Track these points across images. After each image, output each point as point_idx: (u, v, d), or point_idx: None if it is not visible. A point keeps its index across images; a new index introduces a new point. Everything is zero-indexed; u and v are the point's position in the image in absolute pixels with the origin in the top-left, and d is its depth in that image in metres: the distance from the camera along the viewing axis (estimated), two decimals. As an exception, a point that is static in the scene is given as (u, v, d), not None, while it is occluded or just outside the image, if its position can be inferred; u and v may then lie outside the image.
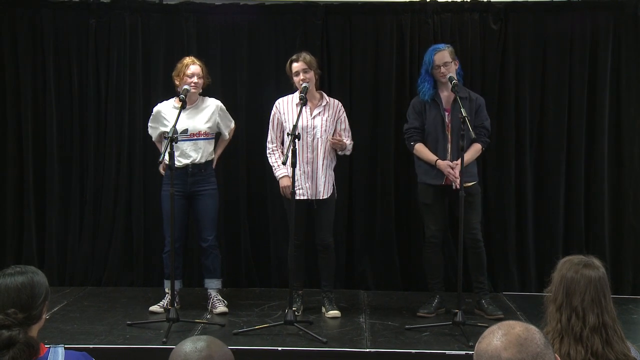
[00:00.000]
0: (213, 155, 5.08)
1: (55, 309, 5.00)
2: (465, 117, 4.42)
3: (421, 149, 4.94)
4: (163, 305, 5.00)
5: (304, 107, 4.73)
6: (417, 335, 4.52)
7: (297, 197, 4.70)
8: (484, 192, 5.43)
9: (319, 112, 4.90)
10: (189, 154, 4.93)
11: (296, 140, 4.51)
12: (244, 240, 5.84)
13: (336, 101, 5.02)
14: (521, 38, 5.76)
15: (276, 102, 4.99)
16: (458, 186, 4.64)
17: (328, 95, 5.09)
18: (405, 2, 5.81)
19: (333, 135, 4.91)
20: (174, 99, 5.07)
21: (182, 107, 4.76)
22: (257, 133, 5.40)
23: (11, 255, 5.79)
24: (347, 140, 4.97)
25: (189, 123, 4.93)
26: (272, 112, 4.98)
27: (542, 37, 5.75)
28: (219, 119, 5.07)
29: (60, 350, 2.24)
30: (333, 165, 4.97)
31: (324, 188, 4.88)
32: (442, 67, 4.82)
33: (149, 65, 5.85)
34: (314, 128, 4.86)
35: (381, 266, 5.82)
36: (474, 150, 4.88)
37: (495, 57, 5.74)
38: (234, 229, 5.82)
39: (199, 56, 5.12)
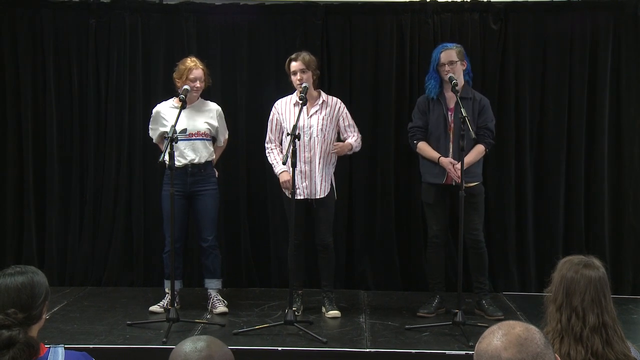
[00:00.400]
0: (213, 156, 5.08)
1: (55, 309, 5.00)
2: (465, 117, 4.42)
3: (424, 147, 4.94)
4: (163, 305, 5.00)
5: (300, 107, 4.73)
6: (417, 335, 4.52)
7: (296, 197, 4.70)
8: (484, 192, 5.43)
9: (316, 111, 4.90)
10: (187, 154, 4.93)
11: (296, 140, 4.51)
12: (244, 240, 5.85)
13: (335, 99, 5.02)
14: (521, 38, 5.76)
15: (275, 104, 5.00)
16: (459, 181, 4.64)
17: (328, 95, 5.09)
18: (405, 2, 5.81)
19: (336, 137, 4.92)
20: (173, 99, 5.07)
21: (182, 107, 4.76)
22: (257, 133, 5.39)
23: (11, 255, 5.79)
24: (352, 139, 4.94)
25: (188, 123, 4.93)
26: (271, 114, 4.99)
27: (542, 37, 5.75)
28: (218, 124, 5.07)
29: (60, 350, 2.24)
30: (332, 165, 4.97)
31: (321, 187, 4.88)
32: (446, 65, 4.82)
33: (149, 65, 5.85)
34: (310, 127, 4.86)
35: (381, 266, 5.82)
36: (477, 152, 4.87)
37: (495, 57, 5.74)
38: (234, 229, 5.83)
39: (199, 56, 5.11)
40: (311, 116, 4.88)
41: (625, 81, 5.71)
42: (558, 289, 2.44)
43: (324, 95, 4.97)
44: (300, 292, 5.06)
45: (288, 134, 4.58)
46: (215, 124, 5.05)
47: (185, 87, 4.84)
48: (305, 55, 4.87)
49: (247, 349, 4.20)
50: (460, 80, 4.84)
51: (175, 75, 4.96)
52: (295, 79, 4.82)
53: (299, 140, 4.61)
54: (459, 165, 4.67)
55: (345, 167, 5.64)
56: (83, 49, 5.82)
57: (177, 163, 4.75)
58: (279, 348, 4.24)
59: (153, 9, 5.87)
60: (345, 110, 5.00)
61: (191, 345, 1.81)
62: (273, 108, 4.99)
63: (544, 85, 5.76)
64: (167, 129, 4.65)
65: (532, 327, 1.71)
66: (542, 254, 5.69)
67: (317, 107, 4.91)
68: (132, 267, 5.84)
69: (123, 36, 5.82)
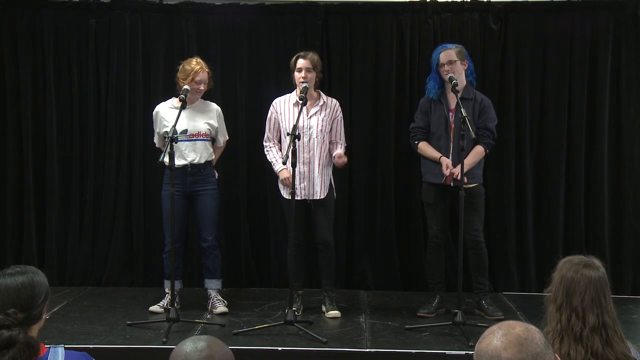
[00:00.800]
0: (213, 157, 5.08)
1: (55, 309, 5.00)
2: (464, 117, 4.42)
3: (425, 147, 4.95)
4: (163, 305, 5.00)
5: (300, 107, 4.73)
6: (417, 335, 4.52)
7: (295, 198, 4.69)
8: (484, 192, 5.43)
9: (316, 112, 4.89)
10: (188, 155, 4.93)
11: (296, 140, 4.51)
12: (244, 240, 5.84)
13: (334, 100, 5.02)
14: (521, 38, 5.76)
15: (273, 102, 4.99)
16: (457, 177, 4.63)
17: (328, 95, 5.09)
18: (405, 2, 5.81)
19: (330, 138, 4.93)
20: (172, 99, 5.07)
21: (182, 107, 4.76)
22: (257, 133, 5.39)
23: (11, 255, 5.79)
24: (340, 149, 4.93)
25: (188, 124, 4.92)
26: (270, 112, 4.98)
27: (542, 37, 5.75)
28: (218, 124, 5.07)
29: (60, 350, 2.24)
30: (330, 166, 4.97)
31: (320, 188, 4.88)
32: (446, 65, 4.82)
33: (149, 65, 5.85)
34: (310, 128, 4.86)
35: (381, 266, 5.82)
36: (475, 153, 4.86)
37: (495, 57, 5.74)
38: (234, 229, 5.83)
39: (199, 56, 5.10)
40: (311, 117, 4.88)
41: (625, 81, 5.71)
42: (558, 289, 2.44)
43: (324, 97, 4.97)
44: (300, 292, 5.06)
45: (288, 134, 4.58)
46: (216, 124, 5.05)
47: (185, 87, 4.84)
48: (314, 55, 4.88)
49: (247, 349, 4.20)
50: (461, 81, 4.84)
51: (179, 75, 4.93)
52: (299, 76, 4.81)
53: (299, 140, 4.61)
54: (455, 170, 4.67)
55: (345, 167, 5.62)
56: (83, 49, 5.82)
57: (177, 163, 4.74)
58: (279, 348, 4.24)
59: (153, 9, 5.87)
60: (341, 115, 5.00)
61: (192, 345, 1.80)
62: (271, 107, 4.99)
63: (544, 85, 5.76)
64: (168, 129, 4.66)
65: (532, 327, 1.71)
66: (542, 254, 5.69)
67: (317, 108, 4.90)
68: (132, 267, 5.84)
69: (123, 36, 5.81)
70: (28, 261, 5.60)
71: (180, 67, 4.96)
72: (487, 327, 1.76)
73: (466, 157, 4.68)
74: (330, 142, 4.95)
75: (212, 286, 5.08)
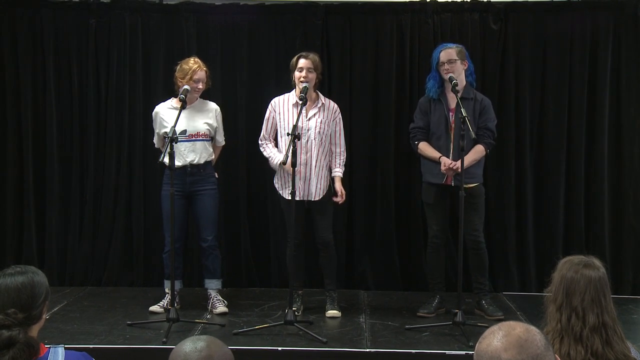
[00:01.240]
0: (212, 157, 5.08)
1: (55, 309, 5.00)
2: (464, 117, 4.42)
3: (424, 147, 4.94)
4: (163, 305, 5.00)
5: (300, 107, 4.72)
6: (417, 335, 4.52)
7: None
8: (484, 193, 5.43)
9: (315, 114, 4.89)
10: (188, 155, 4.92)
11: (296, 141, 4.51)
12: (244, 240, 5.84)
13: (333, 103, 5.02)
14: (521, 38, 5.76)
15: (272, 102, 4.99)
16: (456, 169, 4.63)
17: (328, 96, 5.09)
18: (405, 2, 5.81)
19: (330, 138, 4.93)
20: (171, 99, 5.07)
21: (182, 107, 4.76)
22: (257, 133, 5.37)
23: (11, 255, 5.79)
24: (338, 168, 4.93)
25: (188, 124, 4.92)
26: (268, 111, 4.98)
27: (542, 37, 5.75)
28: (217, 123, 5.07)
29: (60, 350, 2.24)
30: (328, 167, 4.96)
31: (316, 190, 4.87)
32: (446, 64, 4.82)
33: (149, 65, 5.85)
34: (308, 130, 4.85)
35: (381, 266, 5.82)
36: (475, 152, 4.86)
37: (495, 57, 5.74)
38: (234, 229, 5.83)
39: (199, 56, 5.10)
40: (310, 118, 4.87)
41: (625, 81, 5.71)
42: (558, 288, 2.45)
43: (322, 98, 4.97)
44: (300, 292, 5.06)
45: (288, 134, 4.58)
46: (215, 123, 5.05)
47: (185, 87, 4.84)
48: (316, 57, 4.89)
49: (247, 349, 4.20)
50: (461, 80, 4.84)
51: (178, 74, 4.94)
52: (300, 75, 4.81)
53: (299, 140, 4.61)
54: (456, 163, 4.68)
55: (346, 167, 5.62)
56: (83, 49, 5.82)
57: (176, 163, 4.74)
58: (279, 348, 4.24)
59: (153, 9, 5.87)
60: (340, 117, 5.00)
61: (191, 345, 1.80)
62: (270, 106, 4.98)
63: (544, 85, 5.76)
64: (168, 130, 4.66)
65: (533, 328, 1.71)
66: (542, 254, 5.69)
67: (315, 110, 4.90)
68: (132, 267, 5.84)
69: (123, 36, 5.81)
70: (28, 261, 5.60)
71: (178, 67, 4.96)
72: (487, 327, 1.76)
73: (466, 155, 4.68)
74: (330, 150, 4.94)
75: (212, 286, 5.08)
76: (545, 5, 5.80)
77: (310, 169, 4.85)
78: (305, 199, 4.88)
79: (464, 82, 4.89)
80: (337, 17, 5.83)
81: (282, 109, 4.93)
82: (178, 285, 4.88)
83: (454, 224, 5.02)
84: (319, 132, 4.87)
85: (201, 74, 4.91)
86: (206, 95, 5.19)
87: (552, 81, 5.75)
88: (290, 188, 4.56)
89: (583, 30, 5.72)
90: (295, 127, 4.53)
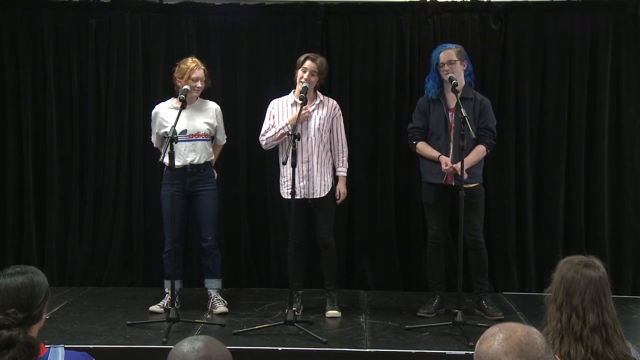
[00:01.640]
0: (212, 157, 5.08)
1: (55, 309, 5.00)
2: (465, 117, 4.42)
3: (423, 147, 4.94)
4: (163, 305, 5.00)
5: (299, 107, 4.72)
6: (417, 335, 4.52)
7: (295, 196, 4.69)
8: (484, 193, 5.43)
9: (313, 110, 4.89)
10: (188, 155, 4.93)
11: (296, 141, 4.51)
12: (244, 240, 5.84)
13: (332, 100, 5.02)
14: (521, 38, 5.76)
15: (271, 102, 5.00)
16: (457, 172, 4.63)
17: (327, 96, 5.09)
18: (405, 2, 5.81)
19: (330, 137, 4.93)
20: (171, 99, 5.07)
21: (182, 107, 4.76)
22: (257, 133, 5.38)
23: (11, 255, 5.79)
24: (341, 168, 4.96)
25: (188, 124, 4.93)
26: (268, 111, 4.97)
27: (542, 37, 5.75)
28: (217, 123, 5.07)
29: (60, 350, 2.24)
30: (330, 164, 4.96)
31: (320, 187, 4.88)
32: (445, 65, 4.82)
33: (149, 65, 5.85)
34: (307, 127, 4.86)
35: (381, 266, 5.82)
36: (477, 152, 4.87)
37: (495, 57, 5.74)
38: (234, 229, 5.82)
39: (199, 56, 5.11)
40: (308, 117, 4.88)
41: (625, 81, 5.71)
42: (558, 288, 2.45)
43: (320, 96, 4.98)
44: (300, 292, 5.06)
45: (289, 134, 4.58)
46: (215, 123, 5.05)
47: (185, 87, 4.84)
48: (323, 61, 4.90)
49: (247, 349, 4.20)
50: (461, 81, 4.84)
51: (176, 74, 4.95)
52: (303, 75, 4.81)
53: (299, 140, 4.61)
54: (456, 166, 4.68)
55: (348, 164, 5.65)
56: (83, 49, 5.82)
57: (176, 163, 4.74)
58: (279, 348, 4.24)
59: (153, 9, 5.87)
60: (340, 113, 5.00)
61: (189, 345, 1.80)
62: (270, 105, 4.98)
63: (544, 85, 5.76)
64: (167, 130, 4.66)
65: (534, 331, 1.70)
66: (542, 254, 5.69)
67: (313, 107, 4.90)
68: (132, 267, 5.84)
69: (123, 36, 5.81)
70: (28, 261, 5.60)
71: (177, 67, 4.97)
72: (487, 327, 1.76)
73: (467, 156, 4.68)
74: (331, 147, 4.94)
75: (212, 286, 5.08)
76: (545, 5, 5.80)
77: (313, 166, 4.85)
78: (309, 197, 4.87)
79: (463, 83, 4.89)
80: (337, 17, 5.83)
81: (281, 110, 4.93)
82: (178, 285, 4.88)
83: (454, 224, 5.01)
84: (319, 128, 4.87)
85: (199, 72, 4.91)
86: (206, 95, 5.19)
87: (552, 81, 5.74)
88: (291, 188, 4.56)
89: (583, 30, 5.72)
90: (295, 127, 4.53)
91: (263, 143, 4.95)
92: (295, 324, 4.48)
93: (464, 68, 4.91)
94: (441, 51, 4.89)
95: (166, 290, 5.01)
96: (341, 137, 4.98)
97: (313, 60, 4.84)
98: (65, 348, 2.26)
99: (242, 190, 5.84)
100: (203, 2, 5.85)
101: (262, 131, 4.96)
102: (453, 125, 4.86)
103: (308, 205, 4.93)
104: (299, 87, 4.82)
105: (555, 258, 2.64)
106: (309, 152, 4.86)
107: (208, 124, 5.01)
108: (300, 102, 4.69)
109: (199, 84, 4.92)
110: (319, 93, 4.99)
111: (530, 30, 5.75)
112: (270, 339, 4.39)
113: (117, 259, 5.81)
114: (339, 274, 5.49)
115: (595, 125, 5.72)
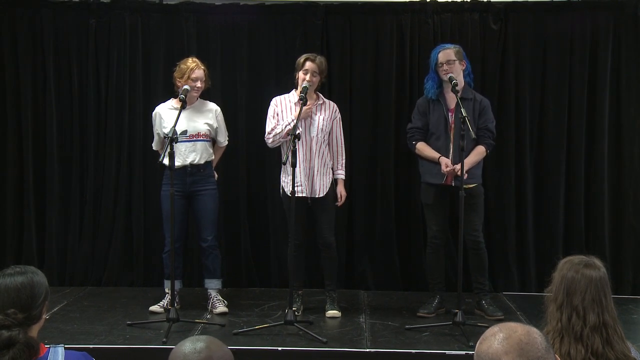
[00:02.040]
0: (212, 157, 5.08)
1: (55, 309, 5.00)
2: (465, 117, 4.42)
3: (423, 148, 4.94)
4: (163, 305, 5.00)
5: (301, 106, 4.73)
6: (417, 335, 4.52)
7: (296, 194, 4.69)
8: (484, 192, 5.43)
9: (315, 111, 4.89)
10: (188, 155, 4.93)
11: (296, 140, 4.51)
12: (244, 240, 5.84)
13: (332, 103, 5.04)
14: (521, 38, 5.76)
15: (274, 99, 5.00)
16: (457, 172, 4.63)
17: (328, 97, 5.11)
18: (405, 2, 5.81)
19: (329, 139, 4.93)
20: (171, 100, 5.07)
21: (182, 108, 4.76)
22: (257, 133, 5.39)
23: (11, 255, 5.79)
24: (340, 161, 4.96)
25: (188, 124, 4.93)
26: (272, 109, 4.97)
27: (542, 37, 5.75)
28: (218, 124, 5.07)
29: (60, 350, 2.24)
30: (330, 164, 4.96)
31: (320, 186, 4.88)
32: (444, 65, 4.82)
33: (149, 65, 5.85)
34: (310, 127, 4.86)
35: (381, 266, 5.82)
36: (477, 153, 4.87)
37: (495, 57, 5.74)
38: (234, 229, 5.82)
39: (199, 56, 5.11)
40: (310, 116, 4.88)
41: (625, 81, 5.71)
42: (559, 288, 2.45)
43: (322, 98, 4.98)
44: (300, 292, 5.06)
45: (289, 134, 4.58)
46: (215, 124, 5.05)
47: (186, 87, 4.85)
48: (323, 61, 4.90)
49: (247, 349, 4.20)
50: (460, 81, 4.84)
51: (176, 74, 4.96)
52: (304, 77, 4.82)
53: (299, 140, 4.61)
54: (456, 167, 4.68)
55: (345, 167, 5.63)
56: (83, 49, 5.82)
57: (176, 163, 4.75)
58: (279, 348, 4.24)
59: (153, 9, 5.87)
60: (340, 117, 5.01)
61: (190, 345, 1.80)
62: (272, 103, 4.98)
63: (544, 85, 5.76)
64: (167, 130, 4.66)
65: (534, 331, 1.70)
66: (542, 254, 5.69)
67: (315, 108, 4.90)
68: (132, 267, 5.84)
69: (123, 36, 5.81)
70: (28, 261, 5.61)
71: (177, 67, 4.97)
72: (487, 327, 1.76)
73: (467, 156, 4.68)
74: (330, 149, 4.94)
75: (212, 286, 5.08)
76: (545, 5, 5.80)
77: (313, 166, 4.86)
78: (309, 196, 4.88)
79: (463, 82, 4.89)
80: (337, 17, 5.83)
81: (284, 107, 4.94)
82: (178, 285, 4.89)
83: (454, 224, 5.01)
84: (321, 129, 4.88)
85: (199, 72, 4.91)
86: (206, 95, 5.19)
87: (552, 81, 5.74)
88: (291, 187, 4.56)
89: (583, 30, 5.72)
90: (295, 127, 4.54)
91: (269, 141, 4.94)
92: (295, 324, 4.48)
93: (463, 68, 4.91)
94: (440, 51, 4.89)
95: (166, 290, 5.01)
96: (340, 140, 4.99)
97: (313, 60, 4.84)
98: (65, 348, 2.26)
99: (242, 190, 5.84)
100: (203, 2, 5.85)
101: (268, 129, 4.94)
102: (453, 125, 4.86)
103: (308, 205, 4.93)
104: (300, 87, 4.82)
105: (555, 258, 2.64)
106: (312, 151, 4.86)
107: (208, 124, 5.01)
108: (301, 102, 4.69)
109: (198, 84, 4.92)
110: (320, 95, 4.99)
111: (530, 30, 5.75)
112: (270, 339, 4.39)
113: (117, 259, 5.81)
114: (339, 274, 5.49)
115: (595, 125, 5.72)
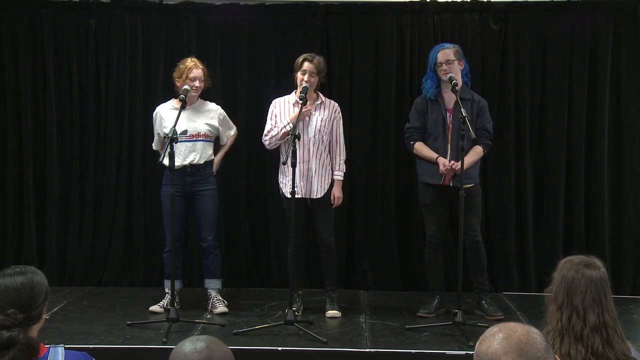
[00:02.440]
0: (212, 157, 5.08)
1: (55, 309, 5.00)
2: (465, 117, 4.42)
3: (421, 148, 4.94)
4: (163, 305, 5.00)
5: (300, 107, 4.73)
6: (417, 335, 4.52)
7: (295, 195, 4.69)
8: (484, 192, 5.43)
9: (314, 110, 4.89)
10: (188, 155, 4.93)
11: (296, 140, 4.51)
12: (244, 240, 5.84)
13: (333, 102, 5.02)
14: (521, 38, 5.76)
15: (273, 101, 5.00)
16: (456, 169, 4.62)
17: (328, 96, 5.10)
18: (405, 2, 5.81)
19: (330, 139, 4.93)
20: (172, 100, 5.07)
21: (182, 108, 4.76)
22: (257, 133, 5.38)
23: (11, 255, 5.79)
24: (338, 161, 4.94)
25: (188, 124, 4.93)
26: (270, 111, 4.98)
27: (542, 37, 5.75)
28: (219, 124, 5.07)
29: (60, 350, 2.24)
30: (329, 165, 4.96)
31: (318, 187, 4.88)
32: (444, 65, 4.82)
33: (149, 65, 5.85)
34: (308, 128, 4.86)
35: (381, 266, 5.82)
36: (475, 153, 4.87)
37: (495, 57, 5.74)
38: (234, 229, 5.82)
39: (199, 56, 5.12)
40: (309, 116, 4.88)
41: (625, 81, 5.71)
42: (559, 288, 2.45)
43: (322, 97, 4.98)
44: (300, 292, 5.06)
45: (289, 134, 4.58)
46: (216, 124, 5.05)
47: (185, 87, 4.85)
48: (321, 60, 4.89)
49: (247, 349, 4.20)
50: (459, 80, 4.83)
51: (175, 74, 4.97)
52: (302, 78, 4.81)
53: (299, 140, 4.61)
54: (456, 164, 4.68)
55: (345, 167, 5.64)
56: (83, 49, 5.82)
57: (176, 163, 4.75)
58: (279, 348, 4.24)
59: (153, 9, 5.87)
60: (340, 116, 5.00)
61: (191, 345, 1.80)
62: (272, 105, 4.99)
63: (544, 85, 5.76)
64: (168, 130, 4.66)
65: (533, 330, 1.70)
66: (542, 254, 5.69)
67: (314, 107, 4.90)
68: (132, 267, 5.84)
69: (123, 36, 5.81)
70: (28, 261, 5.61)
71: (176, 68, 4.98)
72: (487, 327, 1.76)
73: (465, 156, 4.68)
74: (330, 149, 4.94)
75: (212, 286, 5.08)
76: (545, 5, 5.80)
77: (311, 166, 4.86)
78: (307, 196, 4.88)
79: (461, 82, 4.88)
80: (337, 17, 5.83)
81: (283, 108, 4.94)
82: (178, 285, 4.89)
83: (453, 224, 5.01)
84: (320, 129, 4.88)
85: (197, 72, 4.91)
86: (206, 95, 5.20)
87: (552, 81, 5.74)
88: (291, 187, 4.56)
89: (583, 30, 5.72)
90: (295, 127, 4.54)
91: (266, 143, 4.95)
92: (295, 324, 4.48)
93: (462, 68, 4.91)
94: (439, 51, 4.88)
95: (166, 290, 5.01)
96: (340, 139, 4.98)
97: (310, 61, 4.84)
98: (65, 348, 2.26)
99: (242, 190, 5.84)
100: (203, 2, 5.84)
101: (265, 131, 4.95)
102: (451, 125, 4.86)
103: (307, 206, 4.93)
104: (299, 87, 4.82)
105: (555, 258, 2.64)
106: (309, 152, 4.86)
107: (209, 125, 5.01)
108: (301, 102, 4.69)
109: (197, 84, 4.92)
110: (320, 94, 4.99)
111: (530, 30, 5.75)
112: (270, 339, 4.39)
113: (117, 259, 5.81)
114: (339, 274, 5.49)
115: (595, 125, 5.72)
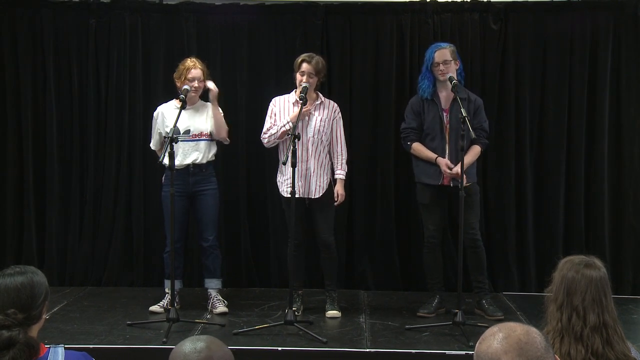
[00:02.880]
0: (214, 157, 5.08)
1: (55, 309, 5.00)
2: (465, 117, 4.42)
3: (419, 148, 4.94)
4: (163, 305, 5.00)
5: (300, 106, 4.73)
6: (417, 335, 4.52)
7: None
8: (483, 192, 5.43)
9: (313, 111, 4.89)
10: (191, 154, 4.93)
11: (296, 140, 4.51)
12: (244, 240, 5.84)
13: (332, 102, 5.03)
14: (521, 38, 5.76)
15: (273, 100, 5.00)
16: (459, 178, 4.62)
17: (328, 96, 5.10)
18: (405, 2, 5.81)
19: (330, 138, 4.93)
20: (173, 100, 5.07)
21: (182, 107, 4.76)
22: (257, 133, 5.38)
23: (11, 255, 5.79)
24: (339, 171, 4.93)
25: (190, 124, 4.93)
26: (270, 108, 4.98)
27: (542, 37, 5.75)
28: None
29: (60, 350, 2.24)
30: (328, 165, 4.96)
31: (316, 187, 4.88)
32: (441, 65, 4.82)
33: (149, 65, 5.85)
34: (307, 128, 4.86)
35: (381, 266, 5.82)
36: (473, 153, 4.87)
37: (495, 57, 5.74)
38: (234, 229, 5.82)
39: (199, 56, 5.11)
40: (309, 116, 4.88)
41: (625, 81, 5.71)
42: (559, 288, 2.45)
43: (322, 97, 4.98)
44: (300, 292, 5.06)
45: (289, 134, 4.58)
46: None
47: (185, 87, 4.85)
48: (320, 61, 4.87)
49: (247, 349, 4.20)
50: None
51: (175, 75, 4.98)
52: (301, 78, 4.82)
53: (299, 140, 4.61)
54: (456, 169, 4.68)
55: (347, 165, 5.64)
56: (83, 49, 5.82)
57: (179, 163, 4.75)
58: (279, 348, 4.24)
59: (153, 9, 5.87)
60: (340, 116, 5.00)
61: (190, 345, 1.80)
62: (271, 103, 4.99)
63: (544, 85, 5.76)
64: (169, 130, 4.67)
65: (533, 330, 1.70)
66: (542, 254, 5.69)
67: (314, 107, 4.90)
68: (132, 267, 5.84)
69: (123, 36, 5.81)
70: (28, 261, 5.60)
71: (177, 68, 4.98)
72: (487, 327, 1.76)
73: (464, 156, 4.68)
74: (330, 150, 4.94)
75: (212, 286, 5.08)
76: (545, 5, 5.80)
77: (310, 166, 4.86)
78: (306, 196, 4.88)
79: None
80: (337, 17, 5.83)
81: (283, 107, 4.94)
82: (178, 285, 4.89)
83: (453, 223, 5.01)
84: (319, 130, 4.88)
85: (195, 72, 4.91)
86: (206, 95, 5.19)
87: (552, 81, 5.75)
88: (287, 186, 4.56)
89: (583, 30, 5.72)
90: (295, 126, 4.54)
91: (265, 141, 4.95)
92: (295, 324, 4.48)
93: (457, 67, 4.91)
94: (436, 50, 4.88)
95: (166, 290, 5.01)
96: (340, 139, 4.98)
97: (308, 62, 4.83)
98: (65, 348, 2.26)
99: (242, 190, 5.84)
100: (203, 2, 5.85)
101: (264, 129, 4.95)
102: (448, 125, 4.86)
103: (306, 205, 4.93)
104: (299, 87, 4.82)
105: (555, 258, 2.64)
106: (308, 152, 4.86)
107: (210, 124, 5.01)
108: (301, 102, 4.69)
109: (195, 84, 4.92)
110: (319, 94, 4.99)
111: (530, 30, 5.75)
112: (270, 339, 4.39)
113: (117, 259, 5.81)
114: (339, 274, 5.49)
115: (595, 125, 5.72)
